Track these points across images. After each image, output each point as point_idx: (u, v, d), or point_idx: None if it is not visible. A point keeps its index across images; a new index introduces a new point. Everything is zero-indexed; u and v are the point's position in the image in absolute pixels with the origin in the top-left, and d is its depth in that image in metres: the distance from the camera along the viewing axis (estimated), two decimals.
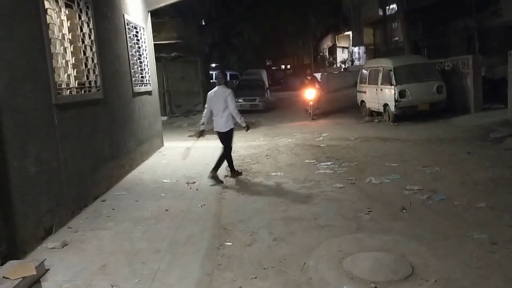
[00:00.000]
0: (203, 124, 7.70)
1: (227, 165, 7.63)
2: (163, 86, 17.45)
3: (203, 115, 7.67)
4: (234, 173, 7.62)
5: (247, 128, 7.80)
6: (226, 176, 7.52)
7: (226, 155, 7.48)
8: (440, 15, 18.39)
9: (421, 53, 19.53)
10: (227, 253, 4.28)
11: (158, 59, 12.31)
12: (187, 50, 18.24)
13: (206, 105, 7.62)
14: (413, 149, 9.10)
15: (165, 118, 16.08)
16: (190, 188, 6.67)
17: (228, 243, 4.53)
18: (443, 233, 4.49)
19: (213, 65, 32.78)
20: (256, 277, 3.73)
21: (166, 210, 5.57)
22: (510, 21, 15.12)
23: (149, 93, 9.66)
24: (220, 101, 7.38)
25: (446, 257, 3.91)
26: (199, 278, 3.71)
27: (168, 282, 3.65)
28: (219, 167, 7.30)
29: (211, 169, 7.21)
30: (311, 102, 15.54)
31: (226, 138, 7.52)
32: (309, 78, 16.57)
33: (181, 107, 18.61)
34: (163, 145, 10.56)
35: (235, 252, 4.29)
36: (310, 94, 15.57)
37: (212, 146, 10.93)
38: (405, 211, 5.27)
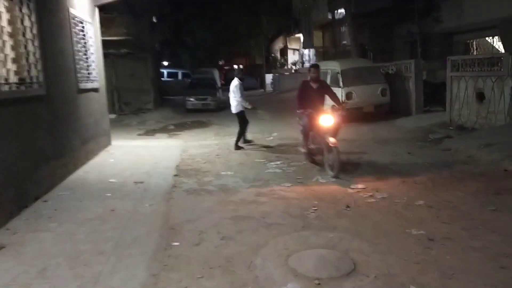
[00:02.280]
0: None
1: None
2: (112, 83, 16.95)
3: None
4: (237, 147, 9.98)
5: (254, 108, 10.59)
6: (175, 175, 7.43)
7: (240, 130, 10.16)
8: (385, 21, 19.10)
9: (367, 57, 20.22)
10: (174, 253, 4.24)
11: (106, 56, 11.95)
12: (137, 47, 17.83)
13: None
14: (358, 149, 9.40)
15: (113, 116, 15.62)
16: (138, 188, 6.53)
17: (176, 244, 4.48)
18: (384, 230, 4.68)
19: (165, 63, 32.31)
20: (202, 277, 3.73)
21: (112, 210, 5.43)
22: (450, 28, 15.97)
23: (95, 90, 9.37)
24: (231, 90, 10.13)
25: (386, 253, 4.08)
26: (144, 280, 3.65)
27: (112, 284, 3.56)
28: (238, 140, 10.06)
29: (234, 145, 9.99)
30: (331, 141, 7.05)
31: (238, 118, 10.21)
32: (314, 85, 7.98)
33: (131, 105, 18.17)
34: (110, 144, 10.28)
35: (183, 252, 4.26)
36: (326, 121, 7.38)
37: (162, 145, 10.82)
38: (349, 209, 5.44)
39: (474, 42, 16.87)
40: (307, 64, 31.43)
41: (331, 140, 7.04)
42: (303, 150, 8.32)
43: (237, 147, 9.95)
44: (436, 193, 5.90)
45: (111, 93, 16.44)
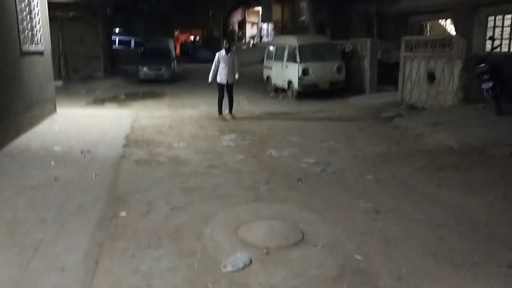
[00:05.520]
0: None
1: None
2: (59, 48, 16.06)
3: None
4: (220, 116, 10.33)
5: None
6: (124, 145, 7.19)
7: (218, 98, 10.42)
8: None
9: (325, 33, 20.29)
10: (120, 223, 4.12)
11: (53, 19, 11.27)
12: (87, 11, 16.93)
13: None
14: (312, 125, 9.50)
15: (60, 83, 14.85)
16: (84, 157, 6.28)
17: (123, 213, 4.36)
18: (334, 202, 4.76)
19: (117, 29, 31.04)
20: (150, 246, 3.65)
21: (56, 178, 5.19)
22: (406, 9, 16.26)
23: (40, 53, 8.84)
24: None
25: (335, 224, 4.16)
26: (88, 248, 3.53)
27: (53, 251, 3.42)
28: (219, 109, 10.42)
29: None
30: None
31: None
32: None
33: (79, 72, 17.30)
34: (56, 112, 9.79)
35: (130, 222, 4.14)
36: None
37: (112, 115, 10.45)
38: (300, 182, 5.49)
39: (428, 24, 17.30)
40: (265, 39, 31.21)
41: None
42: None
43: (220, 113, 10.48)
44: (385, 168, 6.06)
45: (57, 58, 15.60)
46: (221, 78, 10.22)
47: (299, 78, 12.91)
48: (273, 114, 10.97)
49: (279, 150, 7.12)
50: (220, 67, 10.16)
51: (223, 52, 10.25)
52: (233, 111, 10.44)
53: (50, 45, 9.83)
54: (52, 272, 3.13)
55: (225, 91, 10.29)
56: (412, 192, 5.11)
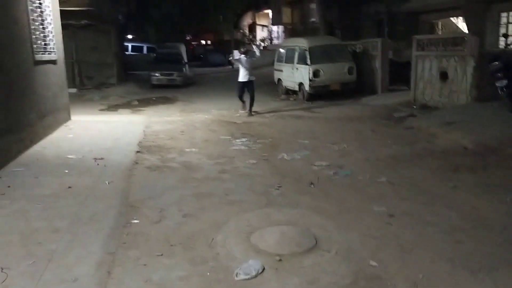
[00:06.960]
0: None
1: None
2: (72, 56, 16.26)
3: None
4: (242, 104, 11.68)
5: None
6: (137, 152, 7.23)
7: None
8: None
9: (335, 35, 20.19)
10: (133, 231, 4.12)
11: (66, 27, 11.40)
12: (100, 19, 17.11)
13: None
14: (324, 126, 9.45)
15: (74, 90, 15.03)
16: (98, 164, 6.31)
17: (135, 221, 4.36)
18: (346, 207, 4.71)
19: (130, 36, 31.33)
20: (162, 255, 3.64)
21: (69, 187, 5.22)
22: (416, 8, 16.11)
23: (53, 62, 8.94)
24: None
25: (348, 229, 4.11)
26: (100, 258, 3.53)
27: (66, 262, 3.43)
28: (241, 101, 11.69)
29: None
30: None
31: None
32: None
33: (93, 79, 17.51)
34: (70, 119, 9.89)
35: (142, 230, 4.15)
36: None
37: (125, 121, 10.54)
38: (313, 186, 5.45)
39: (439, 22, 17.11)
40: (275, 41, 31.15)
41: None
42: None
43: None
44: (398, 170, 5.98)
45: (71, 66, 15.79)
46: (243, 77, 11.36)
47: (310, 80, 12.86)
48: (284, 116, 10.93)
49: (291, 153, 7.08)
50: (242, 69, 11.37)
51: (242, 56, 11.55)
52: (252, 109, 11.42)
53: (63, 54, 9.94)
54: (65, 283, 3.14)
55: (246, 88, 11.41)
56: (427, 194, 5.03)
